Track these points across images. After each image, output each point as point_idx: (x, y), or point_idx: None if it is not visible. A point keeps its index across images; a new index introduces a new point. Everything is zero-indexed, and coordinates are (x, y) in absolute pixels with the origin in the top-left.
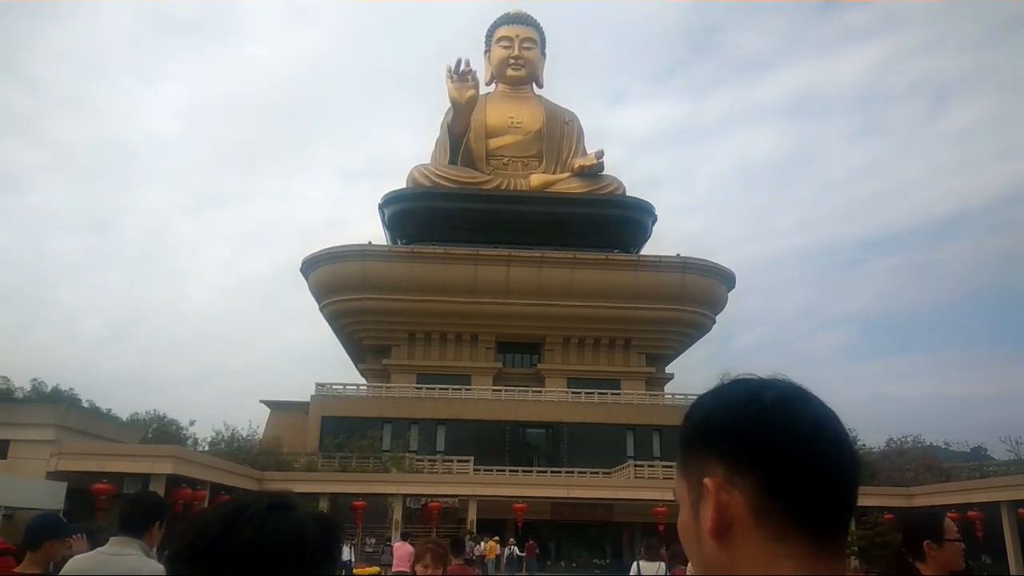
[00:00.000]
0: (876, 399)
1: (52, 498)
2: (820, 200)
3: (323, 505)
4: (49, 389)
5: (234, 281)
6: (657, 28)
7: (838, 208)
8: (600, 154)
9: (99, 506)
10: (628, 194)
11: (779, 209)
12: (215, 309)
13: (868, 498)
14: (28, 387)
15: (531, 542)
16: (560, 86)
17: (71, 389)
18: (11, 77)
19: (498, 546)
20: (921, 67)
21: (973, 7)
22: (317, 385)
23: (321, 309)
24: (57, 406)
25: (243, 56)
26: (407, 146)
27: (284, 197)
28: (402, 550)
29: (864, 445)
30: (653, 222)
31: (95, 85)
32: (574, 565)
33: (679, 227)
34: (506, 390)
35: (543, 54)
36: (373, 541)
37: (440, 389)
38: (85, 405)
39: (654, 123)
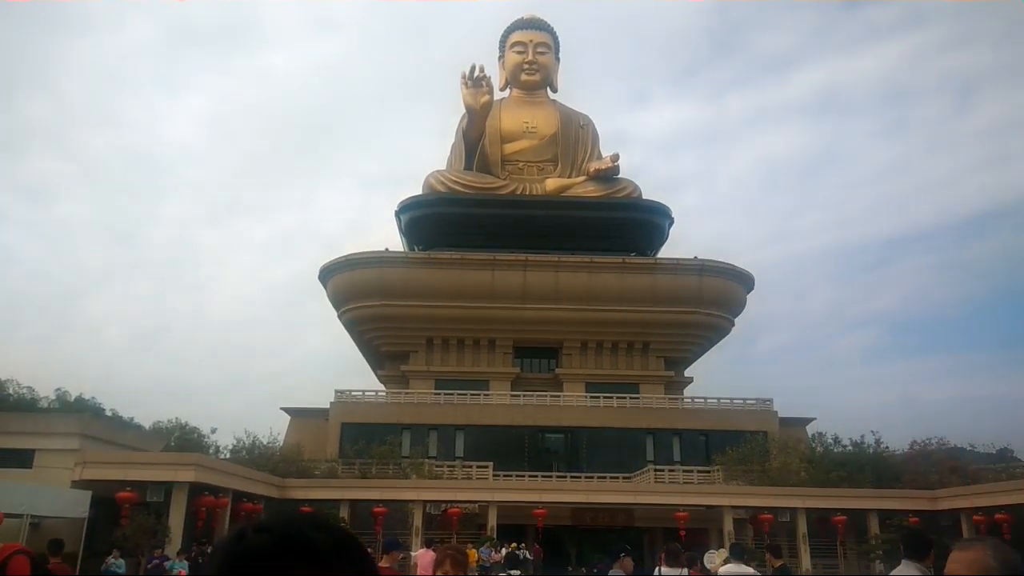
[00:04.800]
0: (901, 401)
1: (77, 507)
2: (845, 199)
3: (344, 512)
4: (73, 399)
5: (256, 290)
6: (679, 29)
7: (864, 207)
8: (615, 157)
9: (123, 514)
10: (648, 196)
11: (804, 209)
12: (237, 318)
13: (892, 501)
14: (52, 396)
15: (537, 546)
16: (581, 89)
17: (94, 398)
18: (38, 90)
19: (477, 552)
20: (948, 63)
21: (1000, 1)
22: (337, 392)
23: (339, 316)
24: (81, 415)
25: (265, 66)
26: (428, 152)
27: (306, 205)
28: (426, 557)
29: (888, 447)
30: (670, 224)
31: (120, 97)
32: (595, 571)
33: (702, 229)
34: (524, 395)
35: (557, 59)
36: None
37: (458, 395)
38: (108, 414)
39: (676, 124)
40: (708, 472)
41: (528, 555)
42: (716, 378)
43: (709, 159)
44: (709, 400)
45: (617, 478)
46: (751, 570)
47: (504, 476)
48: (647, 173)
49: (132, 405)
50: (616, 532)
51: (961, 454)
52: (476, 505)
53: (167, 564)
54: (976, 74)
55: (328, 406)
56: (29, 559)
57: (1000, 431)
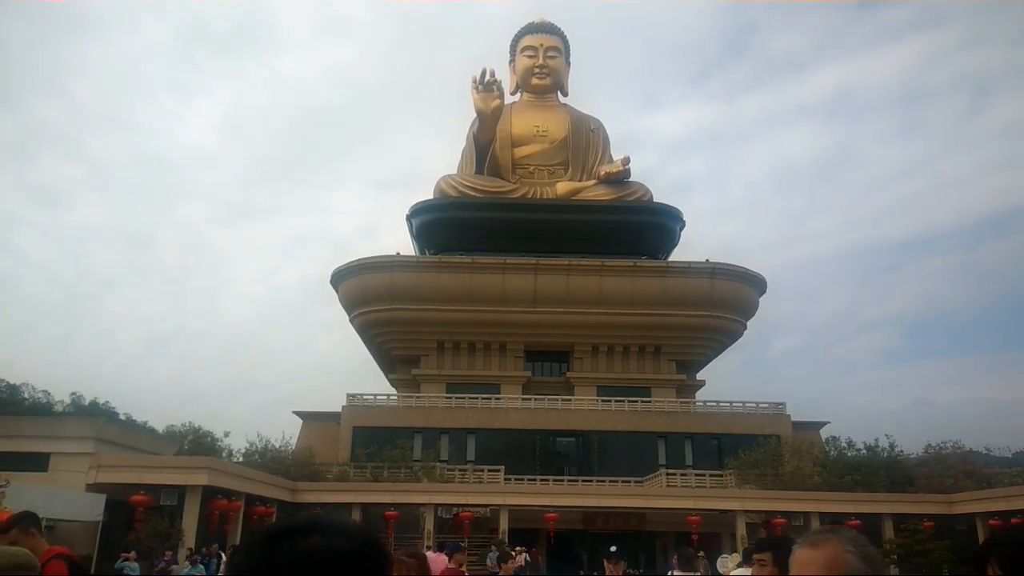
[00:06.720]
0: (915, 404)
1: (92, 510)
2: (859, 201)
3: (355, 515)
4: (87, 402)
5: (268, 293)
6: (691, 30)
7: (877, 209)
8: (626, 160)
9: (137, 517)
10: (659, 199)
11: (817, 211)
12: (250, 321)
13: (907, 505)
14: (68, 400)
15: (535, 550)
16: (593, 91)
17: (108, 402)
18: (52, 94)
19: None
20: (962, 63)
21: (1015, 1)
22: (348, 396)
23: (351, 320)
24: (95, 419)
25: (277, 69)
26: (439, 155)
27: (318, 208)
28: (437, 560)
29: (902, 451)
30: (681, 227)
31: (134, 101)
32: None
33: (714, 231)
34: (536, 399)
35: (568, 63)
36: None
37: (470, 399)
38: (122, 418)
39: (688, 126)
40: (720, 476)
41: (529, 559)
42: (729, 381)
43: (721, 161)
44: (721, 403)
45: (629, 482)
46: None
47: (515, 480)
48: (658, 175)
49: (146, 408)
50: (628, 536)
51: (976, 458)
52: (488, 509)
53: (176, 568)
54: (991, 75)
55: (340, 410)
56: (68, 563)
57: (1016, 434)
